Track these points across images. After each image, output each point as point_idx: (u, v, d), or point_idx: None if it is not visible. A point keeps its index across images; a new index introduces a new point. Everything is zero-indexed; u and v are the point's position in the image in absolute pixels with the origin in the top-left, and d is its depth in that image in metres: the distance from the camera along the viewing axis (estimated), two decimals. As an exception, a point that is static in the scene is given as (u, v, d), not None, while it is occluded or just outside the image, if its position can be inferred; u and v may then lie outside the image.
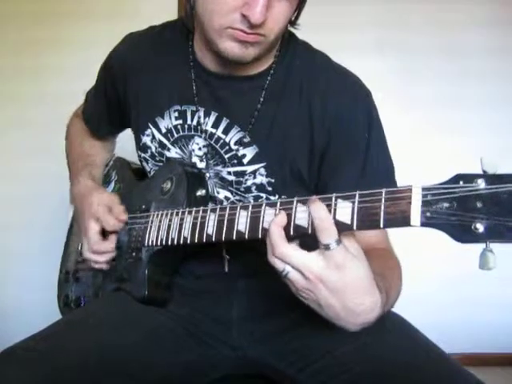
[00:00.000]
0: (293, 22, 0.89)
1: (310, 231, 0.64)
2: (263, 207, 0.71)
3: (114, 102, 1.07)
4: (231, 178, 0.93)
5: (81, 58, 2.15)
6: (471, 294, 2.17)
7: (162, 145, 0.98)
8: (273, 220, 0.66)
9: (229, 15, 0.78)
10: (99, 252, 0.97)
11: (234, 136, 0.92)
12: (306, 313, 0.71)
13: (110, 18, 2.18)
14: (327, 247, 0.61)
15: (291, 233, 0.66)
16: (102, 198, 1.00)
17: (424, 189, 0.56)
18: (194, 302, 0.97)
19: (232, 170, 0.93)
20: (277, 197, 0.92)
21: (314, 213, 0.62)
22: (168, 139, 0.97)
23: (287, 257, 0.63)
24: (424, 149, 2.18)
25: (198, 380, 0.90)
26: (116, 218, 0.96)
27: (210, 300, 0.97)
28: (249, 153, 0.92)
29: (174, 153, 0.98)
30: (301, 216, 0.66)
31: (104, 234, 0.99)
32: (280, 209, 0.69)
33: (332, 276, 0.62)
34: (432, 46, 2.22)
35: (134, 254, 0.95)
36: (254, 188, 0.93)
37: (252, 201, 0.93)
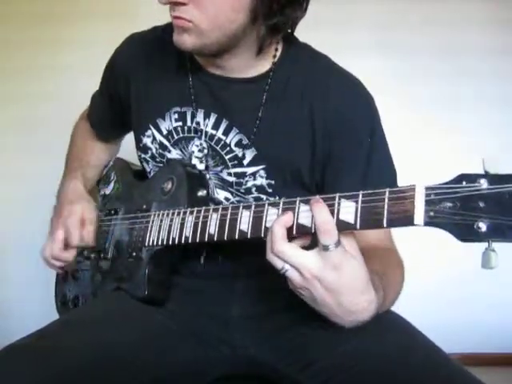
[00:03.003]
0: (265, 19, 0.82)
1: (312, 230, 0.65)
2: (266, 207, 0.72)
3: (116, 104, 1.07)
4: (232, 179, 0.93)
5: (81, 58, 2.15)
6: (471, 294, 2.17)
7: (162, 146, 0.98)
8: (277, 219, 0.67)
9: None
10: (56, 259, 1.01)
11: (234, 137, 0.92)
12: (305, 313, 0.71)
13: (110, 17, 2.18)
14: (326, 248, 0.62)
15: (294, 232, 0.66)
16: (83, 210, 1.02)
17: (427, 188, 0.57)
18: (194, 301, 0.97)
19: (232, 171, 0.93)
20: (277, 198, 0.92)
21: (316, 214, 0.63)
22: (169, 141, 0.97)
23: (286, 255, 0.65)
24: (424, 149, 2.19)
25: (197, 380, 0.90)
26: (81, 237, 1.00)
27: (209, 299, 0.96)
28: (249, 154, 0.91)
29: (174, 154, 0.98)
30: (304, 215, 0.66)
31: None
32: (284, 208, 0.69)
33: (328, 276, 0.63)
34: (432, 46, 2.22)
35: (134, 253, 0.95)
36: (254, 189, 0.93)
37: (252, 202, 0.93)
